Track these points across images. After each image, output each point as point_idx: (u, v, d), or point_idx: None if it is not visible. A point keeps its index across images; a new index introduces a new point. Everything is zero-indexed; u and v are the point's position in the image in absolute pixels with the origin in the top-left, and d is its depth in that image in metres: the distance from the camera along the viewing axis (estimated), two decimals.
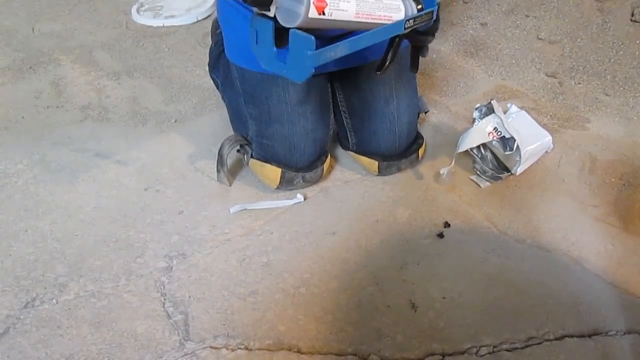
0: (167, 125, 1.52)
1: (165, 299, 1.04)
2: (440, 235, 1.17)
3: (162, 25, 2.03)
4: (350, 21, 0.79)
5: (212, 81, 1.51)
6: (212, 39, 1.51)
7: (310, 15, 0.74)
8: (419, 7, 0.90)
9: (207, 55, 1.50)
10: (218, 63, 1.38)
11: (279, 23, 0.78)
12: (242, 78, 1.20)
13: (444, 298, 1.04)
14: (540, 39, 1.72)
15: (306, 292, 1.06)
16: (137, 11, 2.11)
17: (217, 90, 1.47)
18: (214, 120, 1.52)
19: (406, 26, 0.87)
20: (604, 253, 1.13)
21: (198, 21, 2.05)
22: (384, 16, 0.83)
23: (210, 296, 1.04)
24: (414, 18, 0.88)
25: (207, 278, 1.08)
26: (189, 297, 1.04)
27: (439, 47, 1.82)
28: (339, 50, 0.78)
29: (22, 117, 1.55)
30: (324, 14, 0.75)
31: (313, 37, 0.74)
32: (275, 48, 0.79)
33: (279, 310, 1.02)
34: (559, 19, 1.72)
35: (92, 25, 2.04)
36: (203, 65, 1.65)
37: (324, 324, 1.00)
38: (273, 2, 0.76)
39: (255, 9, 0.79)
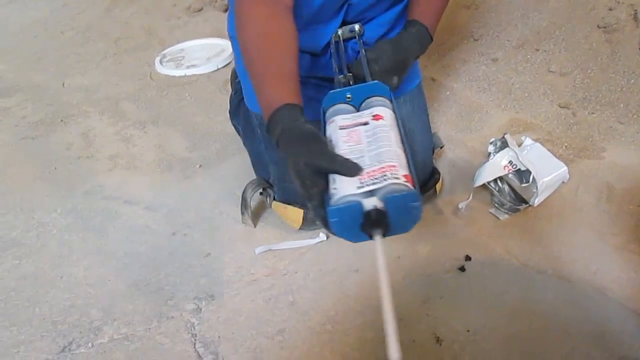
0: (192, 170, 1.58)
1: (195, 340, 1.07)
2: (462, 269, 1.19)
3: (184, 74, 2.13)
4: None
5: (233, 127, 1.56)
6: (231, 87, 1.57)
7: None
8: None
9: (228, 102, 1.56)
10: (238, 111, 1.44)
11: None
12: (262, 125, 1.25)
13: (468, 331, 1.05)
14: (551, 71, 1.75)
15: (332, 330, 1.08)
16: (160, 62, 2.21)
17: (238, 136, 1.53)
18: (237, 165, 1.58)
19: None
20: (626, 281, 1.13)
21: (218, 69, 2.14)
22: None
23: (239, 336, 1.07)
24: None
25: (236, 318, 1.11)
26: (219, 337, 1.07)
27: (452, 84, 1.86)
28: None
29: (55, 168, 1.62)
30: None
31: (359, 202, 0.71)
32: None
33: (306, 348, 1.04)
34: (568, 51, 1.76)
35: (118, 77, 2.15)
36: (224, 112, 1.71)
37: None
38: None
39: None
